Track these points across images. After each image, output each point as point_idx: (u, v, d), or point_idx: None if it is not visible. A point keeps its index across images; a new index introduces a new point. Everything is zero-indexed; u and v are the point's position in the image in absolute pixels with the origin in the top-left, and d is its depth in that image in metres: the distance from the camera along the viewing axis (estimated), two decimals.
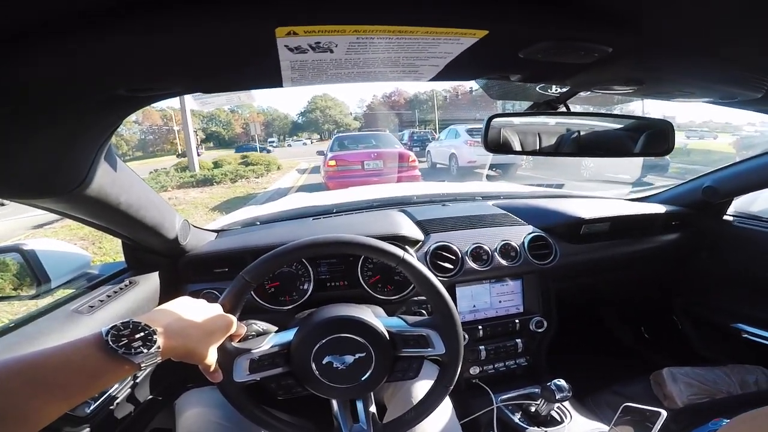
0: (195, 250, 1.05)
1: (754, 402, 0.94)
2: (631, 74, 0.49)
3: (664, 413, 0.86)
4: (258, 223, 1.33)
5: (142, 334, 0.46)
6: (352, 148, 7.28)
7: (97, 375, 0.43)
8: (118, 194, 0.69)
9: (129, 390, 0.90)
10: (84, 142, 0.53)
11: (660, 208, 1.38)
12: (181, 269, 1.03)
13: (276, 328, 0.73)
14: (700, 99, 0.68)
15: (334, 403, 0.77)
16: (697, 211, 1.40)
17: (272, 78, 0.43)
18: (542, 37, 0.38)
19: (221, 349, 0.61)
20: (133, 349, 0.45)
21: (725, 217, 1.42)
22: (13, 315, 2.92)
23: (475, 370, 1.17)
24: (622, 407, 0.92)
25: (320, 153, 7.89)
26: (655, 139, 0.79)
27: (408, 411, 0.75)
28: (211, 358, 0.57)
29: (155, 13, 0.28)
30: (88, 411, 0.74)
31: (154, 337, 0.47)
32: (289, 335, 0.71)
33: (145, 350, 0.45)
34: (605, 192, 1.75)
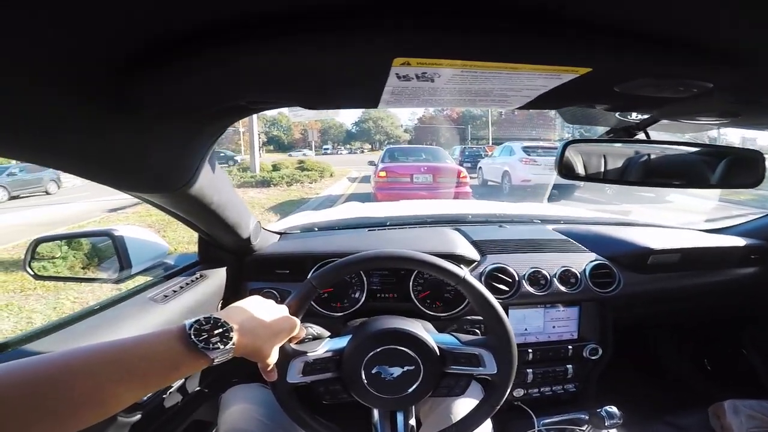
0: (261, 250, 1.11)
1: None
2: (728, 107, 0.46)
3: None
4: (316, 228, 1.38)
5: (220, 330, 0.48)
6: (402, 161, 7.30)
7: (175, 366, 0.45)
8: (212, 194, 0.74)
9: (181, 381, 0.93)
10: (198, 145, 0.58)
11: (738, 241, 1.29)
12: (246, 267, 1.08)
13: (329, 333, 0.75)
14: None
15: (375, 412, 0.77)
16: None
17: (373, 100, 0.45)
18: (643, 74, 0.37)
19: (281, 350, 0.62)
20: (210, 344, 0.46)
21: None
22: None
23: (519, 393, 1.14)
24: None
25: (371, 163, 8.01)
26: (739, 167, 0.73)
27: (449, 427, 0.74)
28: (273, 357, 0.58)
29: (292, 37, 0.30)
30: (145, 399, 0.78)
31: (231, 333, 0.49)
32: (342, 342, 0.72)
33: (222, 346, 0.47)
34: (674, 221, 1.64)
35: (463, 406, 0.86)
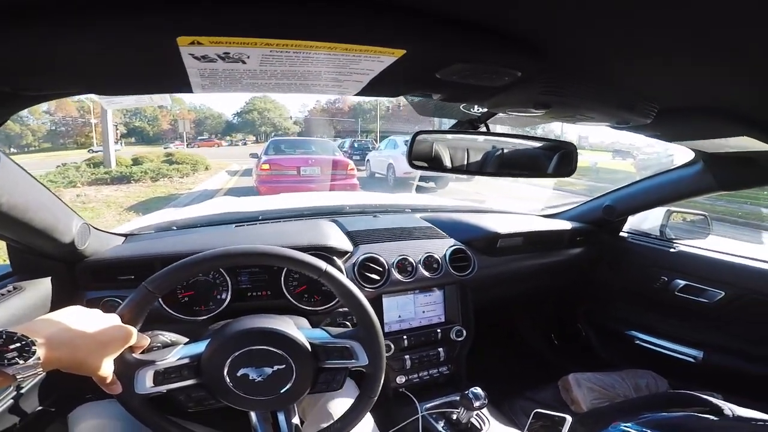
0: (96, 254, 0.96)
1: (647, 405, 1.06)
2: (538, 98, 0.53)
3: (569, 419, 0.94)
4: (174, 227, 1.24)
5: (17, 345, 0.44)
6: (288, 153, 7.08)
7: None
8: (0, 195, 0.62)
9: (11, 401, 0.82)
10: None
11: (567, 225, 1.51)
12: (79, 275, 0.93)
13: (186, 339, 0.70)
14: (600, 123, 0.76)
15: (253, 414, 0.75)
16: (598, 227, 1.56)
17: (180, 83, 0.42)
18: (455, 60, 0.39)
19: (120, 361, 0.59)
20: (6, 360, 0.43)
21: (621, 233, 1.59)
22: None
23: (401, 380, 1.18)
24: (533, 413, 0.98)
25: (253, 156, 7.57)
26: (563, 160, 0.86)
27: (333, 422, 0.74)
28: (106, 369, 0.55)
29: (46, 13, 0.26)
30: None
31: (33, 348, 0.45)
32: (200, 347, 0.68)
33: (22, 362, 0.44)
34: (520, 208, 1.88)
35: (342, 399, 0.87)
